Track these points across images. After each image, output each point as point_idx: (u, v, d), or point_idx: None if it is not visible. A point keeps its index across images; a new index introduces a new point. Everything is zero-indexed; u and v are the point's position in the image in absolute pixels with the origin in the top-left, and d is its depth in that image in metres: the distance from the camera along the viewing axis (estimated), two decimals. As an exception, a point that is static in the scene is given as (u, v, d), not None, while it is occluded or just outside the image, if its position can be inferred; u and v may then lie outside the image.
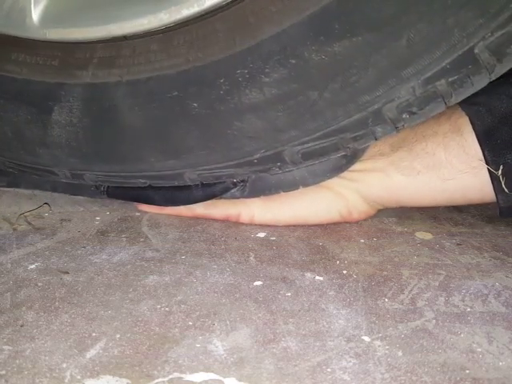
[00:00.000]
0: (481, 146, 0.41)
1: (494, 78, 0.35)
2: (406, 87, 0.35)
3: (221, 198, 0.47)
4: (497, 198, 0.42)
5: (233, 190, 0.46)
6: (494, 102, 0.41)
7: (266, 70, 0.37)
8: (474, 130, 0.41)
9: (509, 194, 0.41)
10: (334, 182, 0.46)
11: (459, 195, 0.44)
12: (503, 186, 0.41)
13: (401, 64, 0.35)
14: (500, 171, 0.40)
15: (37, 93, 0.43)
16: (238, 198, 0.47)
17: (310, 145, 0.39)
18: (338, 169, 0.45)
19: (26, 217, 0.49)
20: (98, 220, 0.50)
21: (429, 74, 0.35)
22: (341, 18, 0.34)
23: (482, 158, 0.41)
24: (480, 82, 0.35)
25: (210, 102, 0.39)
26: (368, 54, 0.35)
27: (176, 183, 0.45)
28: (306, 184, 0.45)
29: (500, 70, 0.35)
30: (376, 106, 0.36)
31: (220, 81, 0.38)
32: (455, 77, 0.35)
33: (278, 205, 0.47)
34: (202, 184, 0.46)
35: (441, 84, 0.35)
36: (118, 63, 0.41)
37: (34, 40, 0.41)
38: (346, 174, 0.45)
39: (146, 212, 0.51)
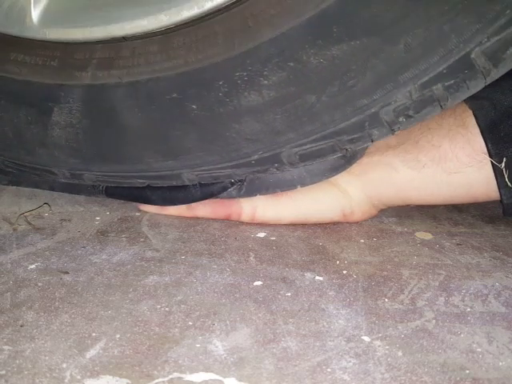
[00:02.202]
0: (484, 139, 0.41)
1: (489, 83, 0.35)
2: (403, 91, 0.35)
3: (217, 198, 0.48)
4: (500, 193, 0.42)
5: (230, 189, 0.46)
6: (498, 96, 0.42)
7: (265, 73, 0.37)
8: (477, 123, 0.42)
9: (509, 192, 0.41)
10: (340, 178, 0.46)
11: (464, 191, 0.44)
12: (506, 179, 0.41)
13: (398, 68, 0.35)
14: (503, 164, 0.41)
15: (36, 94, 0.43)
16: (234, 197, 0.47)
17: (307, 147, 0.39)
18: (336, 169, 0.45)
19: (26, 217, 0.49)
20: (97, 220, 0.50)
21: (425, 79, 0.35)
22: (339, 21, 0.35)
23: (486, 151, 0.41)
24: (476, 86, 0.35)
25: (208, 104, 0.39)
26: (366, 58, 0.35)
27: (174, 183, 0.45)
28: (303, 184, 0.45)
29: (495, 75, 0.35)
30: (373, 110, 0.37)
31: (219, 83, 0.38)
32: (451, 81, 0.35)
33: (280, 201, 0.47)
34: (200, 183, 0.46)
35: (437, 88, 0.35)
36: (118, 64, 0.41)
37: (33, 40, 0.41)
38: (352, 168, 0.45)
39: (146, 212, 0.51)
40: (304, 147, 0.39)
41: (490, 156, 0.41)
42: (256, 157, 0.40)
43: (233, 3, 0.36)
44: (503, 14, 0.32)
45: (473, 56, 0.34)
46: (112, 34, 0.38)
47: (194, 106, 0.39)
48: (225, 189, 0.46)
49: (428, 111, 0.37)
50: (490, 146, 0.41)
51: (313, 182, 0.45)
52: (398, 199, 0.46)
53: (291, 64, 0.36)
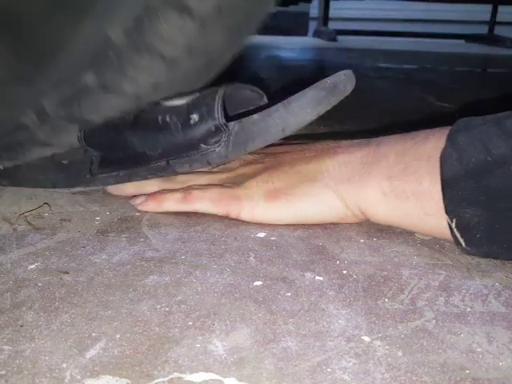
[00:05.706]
0: (443, 192, 0.39)
1: None
2: None
3: (209, 165, 0.47)
4: (458, 248, 0.41)
5: (217, 149, 0.46)
6: (469, 150, 0.38)
7: None
8: (440, 173, 0.39)
9: (464, 248, 0.40)
10: (339, 183, 0.45)
11: (438, 233, 0.42)
12: (459, 238, 0.39)
13: None
14: (453, 224, 0.39)
15: None
16: (224, 156, 0.46)
17: None
18: (319, 102, 0.43)
19: (26, 217, 0.49)
20: (97, 220, 0.49)
21: None
22: None
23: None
24: None
25: None
26: None
27: None
28: (290, 127, 0.44)
29: None
30: None
31: None
32: None
33: (280, 201, 0.47)
34: (182, 125, 0.45)
35: None
36: None
37: None
38: (352, 176, 0.45)
39: (146, 212, 0.51)
40: None
41: (446, 211, 0.39)
42: None
43: None
44: None
45: None
46: None
47: None
48: (208, 135, 0.45)
49: None
50: (445, 201, 0.39)
51: (298, 124, 0.43)
52: (383, 221, 0.46)
53: None
